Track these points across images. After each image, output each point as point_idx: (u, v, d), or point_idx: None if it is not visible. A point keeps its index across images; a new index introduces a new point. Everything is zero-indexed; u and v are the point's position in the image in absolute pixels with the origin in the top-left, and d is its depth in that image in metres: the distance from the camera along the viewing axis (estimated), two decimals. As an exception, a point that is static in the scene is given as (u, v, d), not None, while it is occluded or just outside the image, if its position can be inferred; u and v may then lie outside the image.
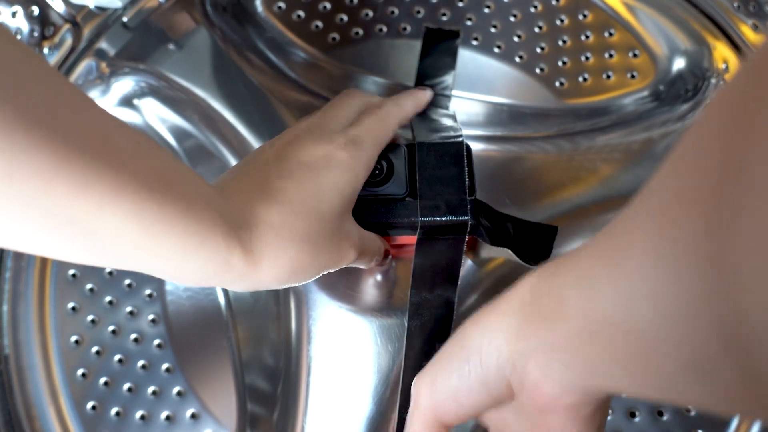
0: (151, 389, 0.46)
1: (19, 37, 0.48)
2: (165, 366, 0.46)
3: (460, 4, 0.51)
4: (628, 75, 0.50)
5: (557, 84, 0.50)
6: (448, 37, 0.49)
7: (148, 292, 0.47)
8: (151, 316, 0.47)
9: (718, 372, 0.17)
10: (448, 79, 0.48)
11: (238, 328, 0.46)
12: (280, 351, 0.45)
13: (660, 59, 0.50)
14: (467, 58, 0.50)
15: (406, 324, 0.38)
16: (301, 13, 0.52)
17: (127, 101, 0.50)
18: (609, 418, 0.44)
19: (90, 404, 0.45)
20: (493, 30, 0.51)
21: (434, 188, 0.38)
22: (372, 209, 0.37)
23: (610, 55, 0.50)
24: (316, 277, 0.33)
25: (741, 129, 0.15)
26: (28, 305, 0.47)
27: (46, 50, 0.49)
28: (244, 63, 0.50)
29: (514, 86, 0.50)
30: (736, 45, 0.49)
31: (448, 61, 0.48)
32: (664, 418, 0.43)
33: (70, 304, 0.47)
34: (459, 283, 0.39)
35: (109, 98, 0.50)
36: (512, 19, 0.51)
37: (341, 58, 0.51)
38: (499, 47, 0.50)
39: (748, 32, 0.49)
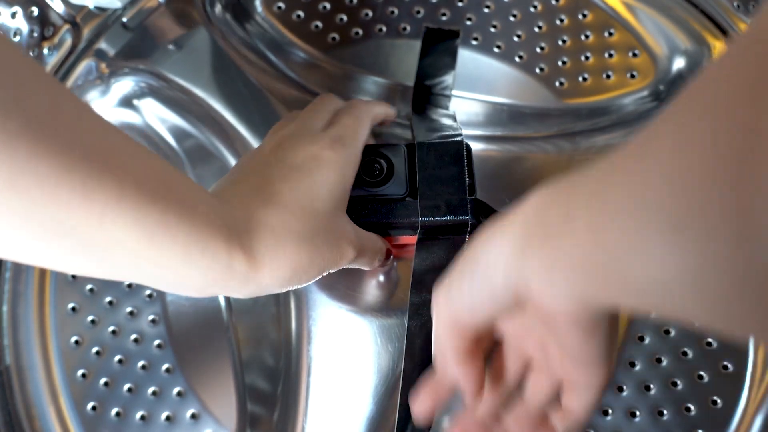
0: (151, 389, 0.45)
1: (18, 37, 0.48)
2: (165, 366, 0.46)
3: (460, 4, 0.51)
4: (628, 75, 0.50)
5: (557, 84, 0.50)
6: (448, 37, 0.49)
7: (148, 292, 0.47)
8: (151, 317, 0.47)
9: (721, 281, 0.17)
10: (448, 79, 0.48)
11: (238, 328, 0.46)
12: (280, 351, 0.45)
13: (660, 59, 0.50)
14: (467, 58, 0.50)
15: (406, 324, 0.38)
16: (301, 13, 0.52)
17: (126, 101, 0.50)
18: (609, 418, 0.44)
19: (90, 404, 0.45)
20: (493, 30, 0.51)
21: (434, 188, 0.37)
22: (372, 209, 0.37)
23: (610, 55, 0.50)
24: (317, 279, 0.33)
25: None
26: (28, 305, 0.47)
27: (45, 50, 0.49)
28: (244, 63, 0.50)
29: (514, 86, 0.50)
30: (736, 45, 0.49)
31: (447, 60, 0.48)
32: (664, 418, 0.44)
33: (70, 305, 0.47)
34: (459, 283, 0.38)
35: (108, 99, 0.50)
36: (512, 18, 0.51)
37: (341, 58, 0.51)
38: (499, 47, 0.50)
39: (748, 32, 0.49)
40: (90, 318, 0.47)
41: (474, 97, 0.49)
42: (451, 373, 0.31)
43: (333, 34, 0.51)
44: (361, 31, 0.51)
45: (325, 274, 0.33)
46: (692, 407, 0.44)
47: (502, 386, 0.32)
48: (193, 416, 0.45)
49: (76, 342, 0.46)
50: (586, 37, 0.51)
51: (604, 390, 0.29)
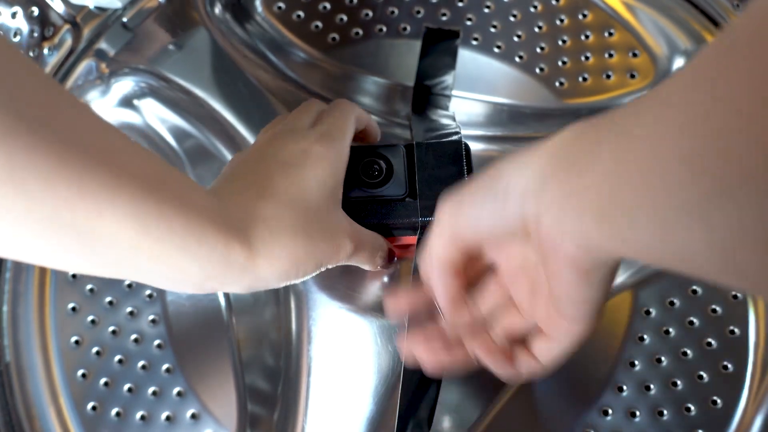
0: (151, 389, 0.46)
1: (18, 37, 0.48)
2: (165, 366, 0.46)
3: (460, 4, 0.51)
4: (628, 75, 0.50)
5: (557, 84, 0.50)
6: (448, 37, 0.49)
7: (148, 292, 0.47)
8: (151, 317, 0.47)
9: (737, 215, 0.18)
10: (447, 79, 0.48)
11: (238, 328, 0.46)
12: (280, 351, 0.45)
13: (660, 59, 0.50)
14: (467, 58, 0.50)
15: (406, 324, 0.38)
16: (301, 14, 0.52)
17: (127, 101, 0.50)
18: (609, 418, 0.44)
19: (90, 404, 0.45)
20: (493, 30, 0.51)
21: (434, 188, 0.37)
22: (372, 210, 0.37)
23: (610, 55, 0.50)
24: (316, 273, 0.33)
25: None
26: (29, 306, 0.47)
27: (45, 51, 0.49)
28: (244, 63, 0.50)
29: (514, 86, 0.50)
30: (736, 45, 0.49)
31: (447, 61, 0.48)
32: (664, 418, 0.44)
33: (70, 305, 0.47)
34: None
35: (109, 99, 0.50)
36: (512, 19, 0.51)
37: (341, 58, 0.51)
38: (499, 47, 0.50)
39: (748, 32, 0.49)
40: (90, 318, 0.47)
41: (474, 97, 0.49)
42: (434, 282, 0.31)
43: (333, 34, 0.51)
44: (361, 32, 0.51)
45: (323, 268, 0.33)
46: (692, 407, 0.44)
47: (476, 316, 0.33)
48: (193, 416, 0.45)
49: (76, 342, 0.47)
50: (586, 37, 0.51)
51: (575, 347, 0.30)
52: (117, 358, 0.46)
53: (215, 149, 0.49)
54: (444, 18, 0.51)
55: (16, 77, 0.22)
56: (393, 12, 0.51)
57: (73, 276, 0.48)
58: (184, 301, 0.47)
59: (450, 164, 0.38)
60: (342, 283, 0.45)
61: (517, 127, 0.49)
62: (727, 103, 0.17)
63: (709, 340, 0.45)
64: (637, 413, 0.44)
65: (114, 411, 0.45)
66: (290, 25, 0.51)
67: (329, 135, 0.35)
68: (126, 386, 0.46)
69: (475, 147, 0.44)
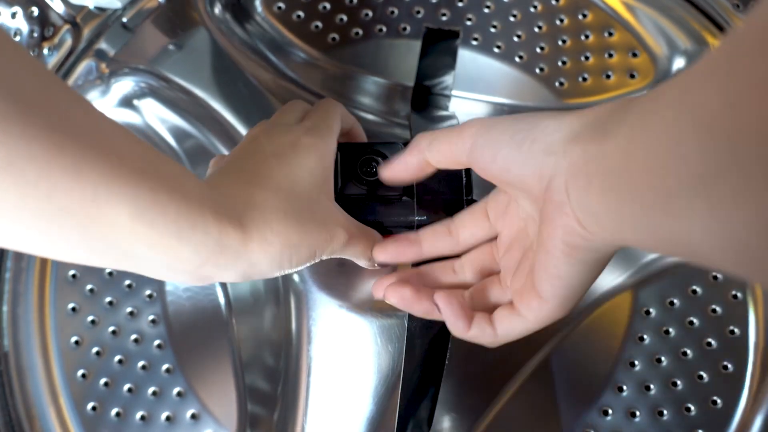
0: (151, 390, 0.46)
1: (18, 37, 0.48)
2: (165, 366, 0.46)
3: (460, 4, 0.51)
4: (628, 75, 0.50)
5: (557, 84, 0.50)
6: (447, 37, 0.49)
7: (148, 292, 0.47)
8: (151, 317, 0.47)
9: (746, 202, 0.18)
10: (447, 79, 0.48)
11: (238, 328, 0.46)
12: (280, 351, 0.45)
13: (660, 59, 0.50)
14: (467, 58, 0.50)
15: (406, 324, 0.38)
16: (301, 14, 0.52)
17: (127, 102, 0.50)
18: (609, 418, 0.44)
19: (90, 405, 0.45)
20: (493, 30, 0.51)
21: (431, 187, 0.38)
22: (369, 208, 0.37)
23: (610, 55, 0.50)
24: (311, 263, 0.33)
25: None
26: (28, 306, 0.47)
27: (45, 51, 0.49)
28: (244, 63, 0.50)
29: (514, 86, 0.50)
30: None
31: (447, 61, 0.48)
32: (664, 418, 0.44)
33: (70, 305, 0.47)
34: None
35: (108, 99, 0.50)
36: (512, 19, 0.51)
37: (341, 58, 0.51)
38: (499, 47, 0.50)
39: (748, 32, 0.49)
40: (90, 318, 0.47)
41: (474, 97, 0.49)
42: (413, 158, 0.33)
43: (333, 34, 0.51)
44: (361, 32, 0.51)
45: (317, 258, 0.33)
46: (692, 407, 0.44)
47: (454, 271, 0.35)
48: (193, 416, 0.45)
49: (76, 342, 0.47)
50: (586, 37, 0.51)
51: (536, 327, 0.31)
52: (117, 358, 0.46)
53: (215, 149, 0.49)
54: (444, 18, 0.51)
55: (9, 66, 0.23)
56: (393, 12, 0.51)
57: (73, 276, 0.48)
58: (184, 301, 0.47)
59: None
60: (342, 283, 0.45)
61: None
62: (745, 80, 0.17)
63: (709, 340, 0.45)
64: (637, 413, 0.44)
65: (114, 411, 0.45)
66: (290, 25, 0.51)
67: (316, 128, 0.36)
68: (126, 386, 0.46)
69: (475, 147, 0.44)
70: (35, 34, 0.49)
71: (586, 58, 0.50)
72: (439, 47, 0.48)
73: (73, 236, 0.25)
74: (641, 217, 0.23)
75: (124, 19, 0.51)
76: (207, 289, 0.47)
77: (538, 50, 0.50)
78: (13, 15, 0.48)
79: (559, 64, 0.50)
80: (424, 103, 0.47)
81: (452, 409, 0.44)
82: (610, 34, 0.51)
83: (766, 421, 0.43)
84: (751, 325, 0.45)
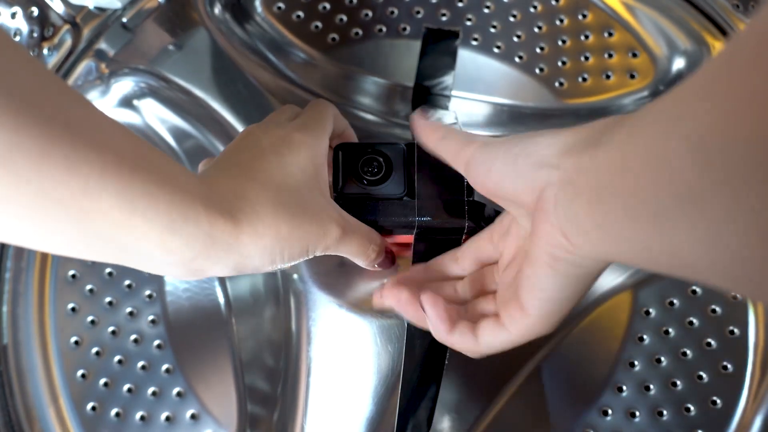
0: (150, 390, 0.45)
1: (18, 38, 0.48)
2: (165, 367, 0.46)
3: (460, 4, 0.51)
4: (628, 75, 0.50)
5: (557, 84, 0.50)
6: (447, 38, 0.49)
7: (147, 292, 0.47)
8: (150, 317, 0.47)
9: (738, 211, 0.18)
10: (447, 79, 0.48)
11: (238, 328, 0.46)
12: (280, 351, 0.45)
13: (660, 59, 0.50)
14: (467, 58, 0.50)
15: (405, 324, 0.38)
16: (301, 14, 0.52)
17: (126, 102, 0.50)
18: (608, 418, 0.44)
19: (90, 405, 0.45)
20: (493, 30, 0.51)
21: (432, 188, 0.37)
22: (369, 208, 0.37)
23: (610, 55, 0.50)
24: (304, 258, 0.33)
25: None
26: (28, 306, 0.47)
27: (45, 51, 0.49)
28: (244, 63, 0.50)
29: (514, 86, 0.50)
30: (735, 45, 0.49)
31: (447, 61, 0.48)
32: (664, 418, 0.44)
33: (70, 305, 0.47)
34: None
35: (108, 99, 0.50)
36: (512, 19, 0.51)
37: (341, 58, 0.51)
38: (498, 47, 0.51)
39: (747, 32, 0.49)
40: (90, 318, 0.47)
41: (474, 97, 0.49)
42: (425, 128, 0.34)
43: (333, 34, 0.51)
44: (360, 32, 0.51)
45: (311, 254, 0.33)
46: (692, 407, 0.44)
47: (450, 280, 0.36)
48: (193, 416, 0.45)
49: (76, 342, 0.46)
50: (586, 37, 0.51)
51: (517, 341, 0.31)
52: (117, 358, 0.46)
53: (215, 149, 0.49)
54: (444, 18, 0.51)
55: (3, 60, 0.23)
56: (393, 12, 0.51)
57: (73, 276, 0.48)
58: (183, 301, 0.47)
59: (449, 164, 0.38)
60: (342, 283, 0.45)
61: (517, 127, 0.49)
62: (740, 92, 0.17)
63: (709, 340, 0.45)
64: (637, 413, 0.44)
65: (114, 411, 0.45)
66: (290, 25, 0.51)
67: (308, 125, 0.36)
68: (126, 386, 0.46)
69: (474, 147, 0.44)
70: (35, 35, 0.49)
71: (586, 58, 0.50)
72: (439, 47, 0.49)
73: (66, 228, 0.25)
74: (630, 231, 0.23)
75: (124, 20, 0.51)
76: (207, 289, 0.47)
77: (537, 50, 0.50)
78: (13, 15, 0.48)
79: (559, 64, 0.50)
80: (424, 104, 0.47)
81: (452, 409, 0.44)
82: (610, 35, 0.51)
83: (765, 421, 0.43)
84: (751, 325, 0.45)
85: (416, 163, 0.38)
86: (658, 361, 0.44)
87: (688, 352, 0.45)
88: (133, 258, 0.28)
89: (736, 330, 0.45)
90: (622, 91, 0.49)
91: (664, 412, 0.44)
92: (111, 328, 0.47)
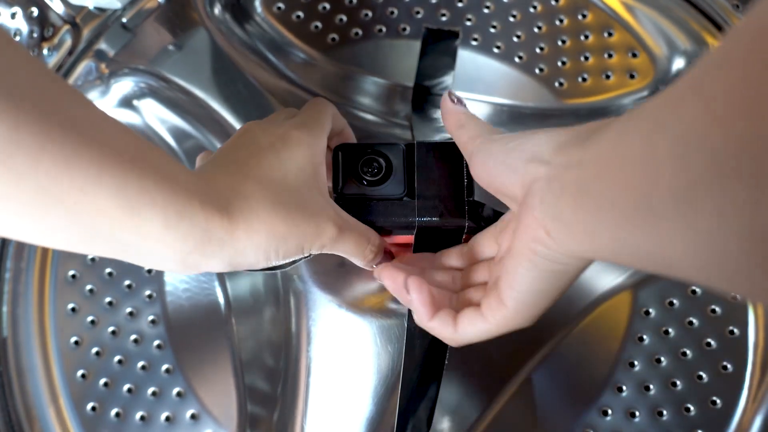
0: (150, 390, 0.46)
1: (18, 38, 0.48)
2: (165, 367, 0.46)
3: (460, 5, 0.51)
4: (628, 75, 0.50)
5: (557, 84, 0.50)
6: (447, 38, 0.49)
7: (147, 292, 0.47)
8: (150, 317, 0.47)
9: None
10: (447, 79, 0.48)
11: (238, 328, 0.46)
12: (280, 351, 0.45)
13: (659, 59, 0.50)
14: (467, 58, 0.50)
15: (405, 324, 0.38)
16: (301, 14, 0.52)
17: (126, 102, 0.50)
18: (608, 418, 0.44)
19: (90, 405, 0.45)
20: (492, 30, 0.51)
21: (432, 188, 0.37)
22: (370, 209, 0.37)
23: (610, 55, 0.50)
24: (300, 257, 0.33)
25: None
26: (28, 306, 0.47)
27: (45, 51, 0.49)
28: (244, 63, 0.50)
29: (514, 87, 0.50)
30: (735, 45, 0.49)
31: (447, 61, 0.48)
32: (664, 418, 0.44)
33: (70, 305, 0.47)
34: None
35: (108, 99, 0.50)
36: (512, 19, 0.51)
37: (340, 58, 0.51)
38: (498, 47, 0.51)
39: (747, 32, 0.49)
40: (90, 318, 0.47)
41: (474, 97, 0.49)
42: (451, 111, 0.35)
43: (333, 34, 0.51)
44: (360, 32, 0.51)
45: (307, 253, 0.33)
46: (692, 407, 0.44)
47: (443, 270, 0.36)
48: (193, 416, 0.45)
49: (76, 342, 0.46)
50: (586, 37, 0.51)
51: (494, 332, 0.31)
52: (117, 358, 0.46)
53: (215, 149, 0.49)
54: (443, 18, 0.51)
55: (1, 58, 0.23)
56: (392, 12, 0.51)
57: (73, 277, 0.48)
58: (183, 301, 0.47)
59: (449, 165, 0.38)
60: (342, 283, 0.45)
61: (517, 127, 0.49)
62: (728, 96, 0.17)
63: (709, 340, 0.45)
64: (637, 413, 0.44)
65: (114, 411, 0.45)
66: (290, 25, 0.51)
67: (306, 123, 0.36)
68: (126, 387, 0.46)
69: (474, 147, 0.44)
70: (35, 35, 0.49)
71: (586, 58, 0.50)
72: (439, 47, 0.49)
73: (62, 223, 0.26)
74: (616, 228, 0.23)
75: (124, 20, 0.51)
76: (207, 289, 0.47)
77: (537, 50, 0.50)
78: (13, 15, 0.48)
79: (559, 64, 0.50)
80: (423, 104, 0.47)
81: (452, 409, 0.44)
82: (610, 35, 0.51)
83: (765, 421, 0.43)
84: (751, 325, 0.45)
85: (416, 163, 0.38)
86: (658, 361, 0.44)
87: (688, 352, 0.45)
88: (127, 252, 0.28)
89: (735, 330, 0.45)
90: (622, 91, 0.50)
91: (664, 412, 0.44)
92: (111, 328, 0.47)
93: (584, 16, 0.51)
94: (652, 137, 0.20)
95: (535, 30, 0.51)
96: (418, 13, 0.51)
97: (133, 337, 0.46)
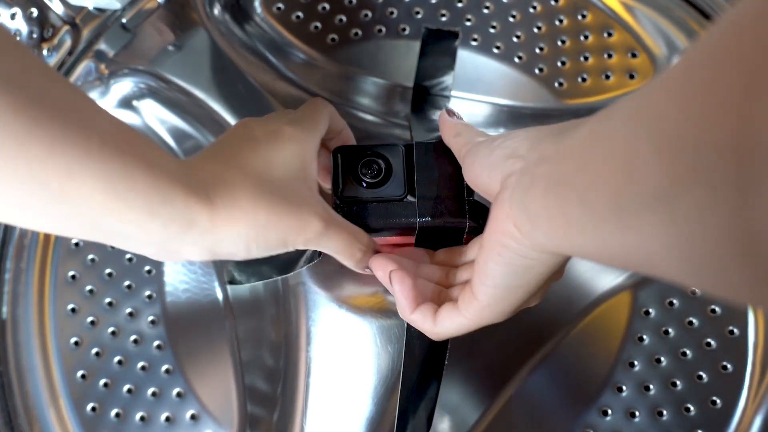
0: (150, 390, 0.45)
1: (18, 38, 0.48)
2: (165, 367, 0.46)
3: (460, 5, 0.52)
4: (628, 75, 0.50)
5: (556, 84, 0.50)
6: (447, 38, 0.49)
7: (147, 293, 0.47)
8: (150, 317, 0.47)
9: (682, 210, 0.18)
10: (447, 79, 0.48)
11: (238, 328, 0.46)
12: (280, 351, 0.45)
13: (659, 59, 0.50)
14: (467, 58, 0.50)
15: (405, 324, 0.38)
16: (300, 14, 0.52)
17: (126, 102, 0.50)
18: (608, 418, 0.44)
19: (90, 405, 0.45)
20: (492, 30, 0.51)
21: (432, 189, 0.37)
22: (370, 210, 0.37)
23: (609, 56, 0.50)
24: (283, 250, 0.33)
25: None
26: (28, 307, 0.47)
27: (45, 51, 0.49)
28: (244, 64, 0.50)
29: (514, 87, 0.50)
30: (735, 45, 0.49)
31: (447, 61, 0.48)
32: (664, 418, 0.44)
33: (70, 306, 0.47)
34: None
35: (108, 99, 0.50)
36: (511, 19, 0.51)
37: (340, 58, 0.51)
38: (498, 48, 0.51)
39: (747, 32, 0.49)
40: (89, 319, 0.47)
41: (474, 97, 0.49)
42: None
43: (332, 34, 0.51)
44: (360, 32, 0.51)
45: (291, 247, 0.33)
46: (692, 407, 0.44)
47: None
48: (193, 417, 0.45)
49: (76, 343, 0.46)
50: (586, 37, 0.51)
51: (469, 326, 0.32)
52: (116, 358, 0.46)
53: (215, 150, 0.49)
54: (443, 18, 0.51)
55: None
56: (392, 13, 0.51)
57: (73, 277, 0.48)
58: (183, 301, 0.47)
59: (449, 165, 0.38)
60: (342, 283, 0.45)
61: (517, 127, 0.49)
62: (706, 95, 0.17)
63: (709, 340, 0.45)
64: (637, 413, 0.44)
65: (114, 412, 0.45)
66: (289, 25, 0.51)
67: (300, 121, 0.36)
68: (126, 387, 0.46)
69: (474, 147, 0.44)
70: (34, 35, 0.49)
71: (586, 58, 0.50)
72: (439, 48, 0.48)
73: (48, 207, 0.26)
74: (589, 225, 0.23)
75: (124, 20, 0.51)
76: (207, 290, 0.47)
77: (537, 51, 0.50)
78: (13, 16, 0.48)
79: (559, 64, 0.50)
80: (423, 104, 0.47)
81: (452, 409, 0.44)
82: (610, 35, 0.51)
83: (765, 421, 0.43)
84: (751, 325, 0.45)
85: (416, 163, 0.38)
86: (658, 361, 0.44)
87: (688, 352, 0.45)
88: (109, 236, 0.29)
89: (735, 330, 0.45)
90: (622, 91, 0.50)
91: (664, 412, 0.44)
92: (111, 329, 0.47)
93: (584, 16, 0.51)
94: (629, 139, 0.20)
95: (535, 30, 0.51)
96: (417, 13, 0.51)
97: (133, 337, 0.46)
